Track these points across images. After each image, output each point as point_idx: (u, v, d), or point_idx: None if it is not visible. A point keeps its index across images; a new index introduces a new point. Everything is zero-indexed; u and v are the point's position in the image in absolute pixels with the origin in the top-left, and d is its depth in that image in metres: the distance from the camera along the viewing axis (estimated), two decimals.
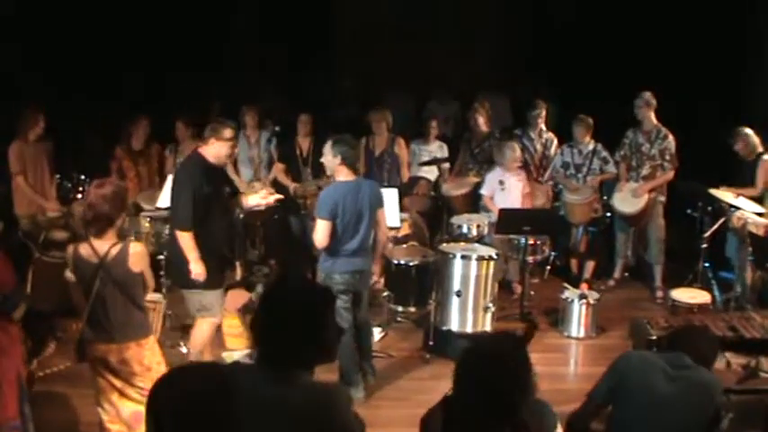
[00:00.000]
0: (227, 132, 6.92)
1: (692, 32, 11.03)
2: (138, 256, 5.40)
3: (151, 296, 5.94)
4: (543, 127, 10.48)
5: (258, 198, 7.60)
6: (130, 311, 5.44)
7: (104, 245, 5.32)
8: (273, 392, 3.27)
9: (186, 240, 6.67)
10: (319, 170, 10.04)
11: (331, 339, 3.48)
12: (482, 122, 10.50)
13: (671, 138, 9.58)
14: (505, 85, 13.04)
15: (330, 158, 6.85)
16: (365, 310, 7.41)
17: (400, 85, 12.89)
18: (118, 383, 5.45)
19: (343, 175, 6.85)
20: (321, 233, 6.76)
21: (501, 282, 9.43)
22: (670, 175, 9.66)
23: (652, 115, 9.63)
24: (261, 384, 3.29)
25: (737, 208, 8.74)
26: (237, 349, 7.85)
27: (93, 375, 5.55)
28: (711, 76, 10.83)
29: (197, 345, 6.98)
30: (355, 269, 6.97)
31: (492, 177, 9.76)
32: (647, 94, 9.62)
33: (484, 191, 9.82)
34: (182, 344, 7.84)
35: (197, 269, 6.69)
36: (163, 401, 2.84)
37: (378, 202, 7.07)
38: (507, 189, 9.63)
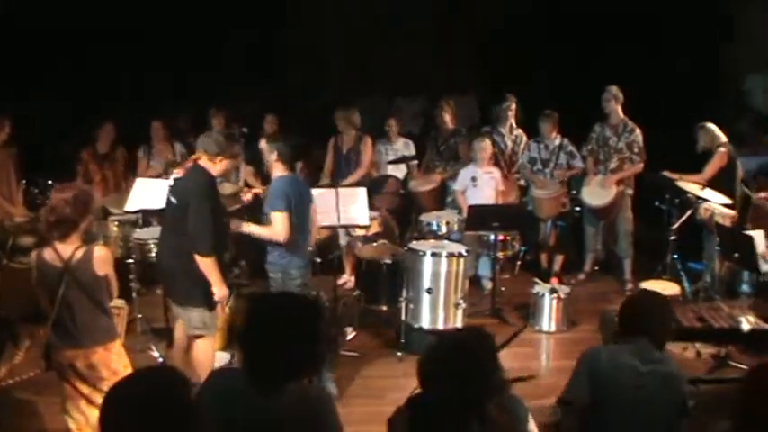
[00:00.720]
0: (237, 149, 6.81)
1: (658, 25, 11.12)
2: (102, 259, 5.36)
3: (114, 302, 5.87)
4: (513, 123, 10.52)
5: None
6: (96, 315, 5.40)
7: (68, 249, 5.27)
8: (261, 403, 3.28)
9: (209, 264, 6.38)
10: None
11: (322, 351, 3.49)
12: (448, 120, 10.57)
13: (638, 131, 9.64)
14: (473, 83, 13.06)
15: (267, 155, 6.84)
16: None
17: (371, 85, 12.89)
18: (85, 390, 5.41)
19: (280, 170, 6.80)
20: (281, 226, 6.61)
21: (471, 278, 9.48)
22: (639, 167, 9.73)
23: (619, 109, 9.69)
24: (248, 396, 3.29)
25: (705, 200, 8.80)
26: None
27: (61, 383, 5.50)
28: (679, 70, 10.92)
29: (206, 367, 6.70)
30: (305, 263, 6.95)
31: (465, 173, 9.78)
32: (614, 88, 9.69)
33: (456, 186, 9.85)
34: (152, 347, 7.80)
35: (221, 292, 6.50)
36: (116, 405, 2.81)
37: (310, 198, 7.11)
38: (479, 185, 9.64)
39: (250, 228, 6.84)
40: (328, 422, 3.39)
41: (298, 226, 6.76)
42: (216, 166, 6.51)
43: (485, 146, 9.65)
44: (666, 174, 9.30)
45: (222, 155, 6.49)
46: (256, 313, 3.46)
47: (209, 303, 6.57)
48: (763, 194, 8.99)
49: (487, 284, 9.67)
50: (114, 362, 5.46)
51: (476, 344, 3.47)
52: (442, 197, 10.11)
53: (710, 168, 9.24)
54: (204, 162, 6.50)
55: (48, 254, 5.29)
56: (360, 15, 12.84)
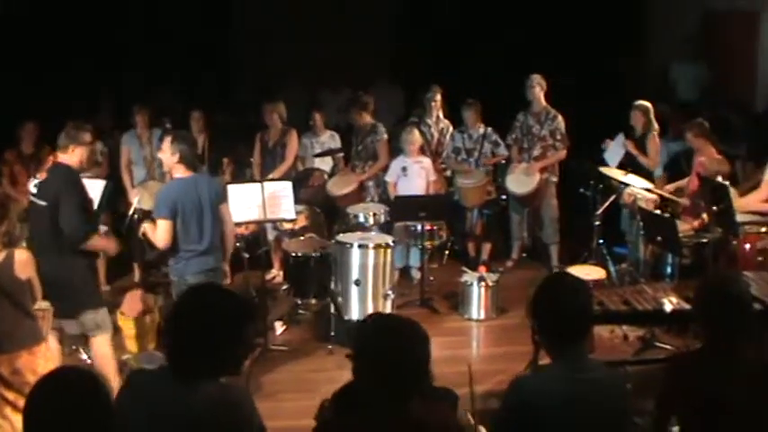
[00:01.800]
0: (88, 136, 6.68)
1: (578, 11, 11.27)
2: (24, 263, 5.28)
3: (39, 304, 5.79)
4: (440, 114, 10.53)
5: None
6: (19, 319, 5.32)
7: None
8: (179, 399, 3.24)
9: (92, 242, 6.52)
10: (216, 167, 10.01)
11: (245, 353, 3.49)
12: (364, 116, 10.23)
13: (560, 118, 9.76)
14: (397, 74, 13.10)
15: (168, 156, 6.60)
16: None
17: (295, 79, 12.86)
18: (11, 396, 5.32)
19: (180, 172, 6.61)
20: (162, 233, 6.47)
21: (401, 269, 9.52)
22: (562, 154, 9.85)
23: (542, 96, 9.79)
24: (167, 392, 3.26)
25: (627, 185, 8.93)
26: (136, 351, 7.74)
27: None
28: (599, 56, 11.08)
29: (108, 364, 6.68)
30: (208, 268, 6.66)
31: (396, 164, 9.79)
32: (537, 76, 9.79)
33: (387, 177, 9.83)
34: (80, 349, 7.69)
35: (111, 246, 6.79)
36: (37, 408, 2.79)
37: (218, 198, 6.80)
38: (409, 176, 9.64)
39: (145, 228, 6.73)
40: (249, 419, 3.37)
41: (192, 231, 6.58)
42: (72, 157, 6.52)
43: (413, 137, 9.66)
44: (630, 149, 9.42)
45: (73, 143, 6.52)
46: (186, 303, 3.44)
47: (98, 302, 6.64)
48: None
49: (416, 274, 9.69)
50: (41, 366, 5.36)
51: (406, 326, 3.36)
52: (360, 199, 9.95)
53: (653, 154, 9.42)
54: (61, 157, 6.53)
55: None
56: (281, 6, 12.85)
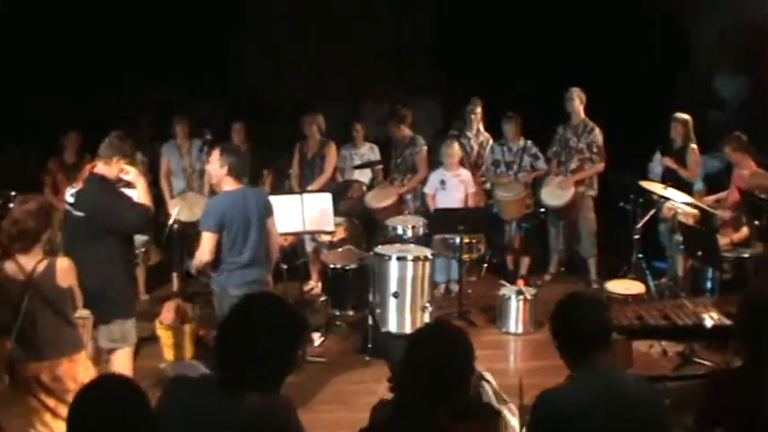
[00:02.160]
0: (129, 147, 6.75)
1: (620, 28, 11.21)
2: (65, 271, 5.32)
3: (79, 312, 5.83)
4: (481, 127, 10.53)
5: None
6: (61, 327, 5.36)
7: (31, 261, 5.24)
8: (222, 411, 3.24)
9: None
10: (256, 178, 10.04)
11: (290, 370, 3.45)
12: (402, 129, 10.30)
13: (597, 131, 9.71)
14: (436, 87, 13.08)
15: (217, 168, 6.60)
16: None
17: (334, 91, 12.87)
18: (51, 403, 5.36)
19: (229, 184, 6.61)
20: (206, 246, 6.50)
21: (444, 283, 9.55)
22: (599, 167, 9.79)
23: (581, 109, 9.75)
24: (208, 402, 3.26)
25: (668, 199, 8.86)
26: (173, 360, 7.78)
27: (25, 396, 5.44)
28: (641, 71, 11.01)
29: None
30: (251, 280, 6.61)
31: (434, 176, 9.79)
32: (577, 89, 9.76)
33: (426, 189, 9.85)
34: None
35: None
36: (80, 415, 2.80)
37: (266, 211, 6.79)
38: (448, 189, 9.64)
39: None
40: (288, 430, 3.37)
41: (237, 244, 6.58)
42: (113, 169, 6.53)
43: (452, 150, 9.65)
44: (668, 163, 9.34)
45: (117, 155, 6.53)
46: (238, 312, 3.41)
47: (129, 313, 6.61)
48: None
49: (454, 287, 9.67)
50: (80, 373, 5.40)
51: (453, 332, 3.49)
52: (399, 212, 9.97)
53: (693, 167, 9.36)
54: (100, 168, 6.52)
55: (9, 267, 5.25)
56: (321, 18, 12.84)
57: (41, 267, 5.24)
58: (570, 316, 3.86)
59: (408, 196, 10.18)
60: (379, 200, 10.09)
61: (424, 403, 3.28)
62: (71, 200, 6.50)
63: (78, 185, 6.57)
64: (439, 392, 3.28)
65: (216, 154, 6.66)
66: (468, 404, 3.60)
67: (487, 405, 3.97)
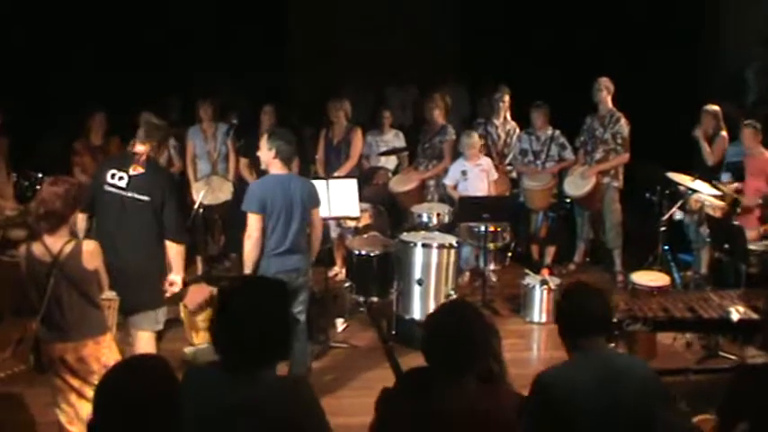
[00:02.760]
0: (166, 132, 6.84)
1: (649, 13, 11.15)
2: (91, 254, 5.34)
3: (106, 294, 5.86)
4: (508, 115, 10.50)
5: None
6: (86, 309, 5.38)
7: (58, 243, 5.26)
8: (240, 394, 3.28)
9: (182, 252, 6.56)
10: None
11: (287, 334, 3.51)
12: (437, 115, 10.31)
13: (623, 121, 9.64)
14: (464, 74, 13.06)
15: (265, 152, 6.63)
16: (304, 313, 6.96)
17: (360, 77, 12.86)
18: (76, 383, 5.39)
19: (277, 168, 6.64)
20: (252, 226, 6.51)
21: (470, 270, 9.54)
22: (623, 158, 9.71)
23: (609, 100, 9.69)
24: (226, 388, 3.30)
25: (695, 191, 8.81)
26: (198, 343, 7.80)
27: (50, 376, 5.48)
28: (668, 61, 10.94)
29: None
30: (291, 268, 6.63)
31: (455, 167, 9.76)
32: (605, 79, 9.69)
33: (447, 180, 9.83)
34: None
35: (180, 279, 6.57)
36: (108, 396, 2.81)
37: (311, 201, 6.75)
38: (469, 179, 9.61)
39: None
40: (310, 408, 3.40)
41: (278, 230, 6.57)
42: (152, 152, 6.59)
43: (472, 141, 9.62)
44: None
45: (156, 138, 6.60)
46: (222, 298, 3.53)
47: (163, 300, 6.62)
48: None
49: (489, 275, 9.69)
50: (105, 355, 5.43)
51: (469, 309, 3.71)
52: (421, 197, 10.03)
53: (718, 153, 9.33)
54: (140, 149, 6.53)
55: (36, 248, 5.27)
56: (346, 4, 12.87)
57: (68, 249, 5.26)
58: (570, 304, 4.05)
59: (431, 182, 10.18)
60: (401, 184, 10.12)
61: (451, 370, 3.46)
62: (122, 183, 6.47)
63: (136, 169, 6.49)
64: (462, 359, 3.47)
65: (264, 139, 6.71)
66: (494, 371, 3.75)
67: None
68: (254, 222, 6.52)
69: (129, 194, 6.42)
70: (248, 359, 3.32)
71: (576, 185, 9.70)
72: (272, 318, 3.37)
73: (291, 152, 6.74)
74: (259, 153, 6.81)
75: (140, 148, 6.53)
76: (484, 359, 3.60)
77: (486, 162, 9.72)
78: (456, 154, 10.01)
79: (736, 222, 8.32)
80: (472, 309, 3.73)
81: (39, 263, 5.26)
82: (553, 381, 3.85)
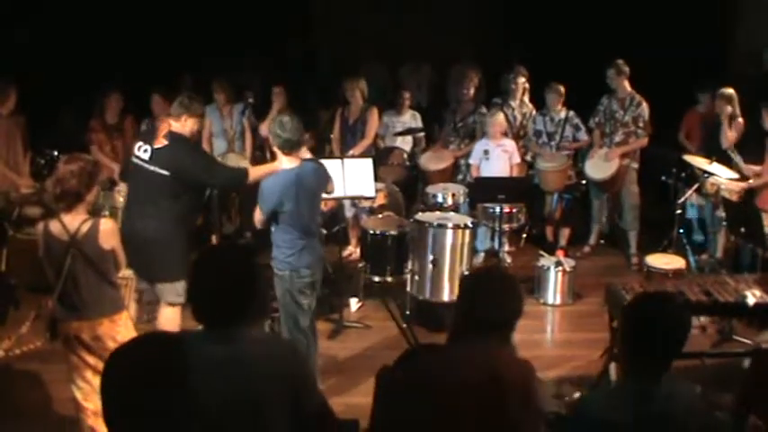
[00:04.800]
0: (200, 108, 6.87)
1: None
2: (108, 232, 5.35)
3: (122, 272, 5.88)
4: (526, 98, 10.46)
5: None
6: (102, 288, 5.41)
7: (75, 221, 5.27)
8: (223, 351, 3.32)
9: (254, 172, 6.90)
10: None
11: (261, 291, 3.65)
12: (472, 93, 10.34)
13: (645, 105, 9.58)
14: (479, 54, 13.01)
15: (276, 150, 6.47)
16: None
17: (374, 55, 12.83)
18: (92, 361, 5.42)
19: (286, 162, 6.33)
20: (257, 219, 6.42)
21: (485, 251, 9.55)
22: (643, 141, 9.67)
23: (626, 83, 9.62)
24: (208, 345, 3.33)
25: (711, 174, 8.77)
26: None
27: (66, 353, 5.51)
28: (686, 43, 10.89)
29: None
30: (319, 256, 6.56)
31: (479, 146, 9.75)
32: (619, 62, 9.61)
33: (471, 159, 9.83)
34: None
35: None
36: (116, 371, 2.83)
37: (325, 185, 6.66)
38: (491, 159, 9.59)
39: None
40: (298, 365, 3.50)
41: (300, 222, 6.33)
42: (184, 127, 6.70)
43: (496, 119, 9.60)
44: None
45: (186, 113, 6.68)
46: (201, 265, 3.56)
47: (184, 273, 6.48)
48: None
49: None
50: (121, 334, 5.44)
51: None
52: (453, 176, 10.04)
53: (738, 131, 9.20)
54: (174, 126, 6.68)
55: (54, 226, 5.29)
56: None
57: (85, 228, 5.27)
58: (651, 321, 3.43)
59: (462, 161, 10.19)
60: (434, 162, 10.12)
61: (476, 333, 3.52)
62: (145, 155, 6.62)
63: (159, 142, 6.63)
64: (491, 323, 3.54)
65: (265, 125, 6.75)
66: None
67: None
68: (259, 217, 6.40)
69: (152, 168, 6.58)
70: (220, 314, 3.39)
71: (600, 168, 9.64)
72: (235, 275, 3.42)
73: (293, 138, 6.30)
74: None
75: (173, 123, 6.72)
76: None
77: (509, 144, 9.69)
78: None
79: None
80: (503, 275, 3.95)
81: (56, 241, 5.28)
82: (600, 405, 3.48)
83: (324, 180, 6.65)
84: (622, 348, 3.55)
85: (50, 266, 5.35)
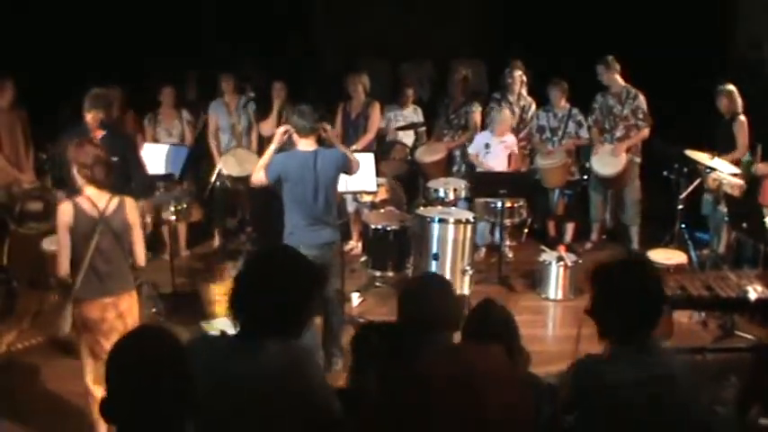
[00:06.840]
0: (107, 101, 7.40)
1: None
2: (134, 208, 5.59)
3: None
4: (524, 91, 10.46)
5: None
6: (123, 264, 5.62)
7: (102, 198, 5.45)
8: (247, 360, 3.28)
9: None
10: None
11: (309, 318, 3.58)
12: (461, 87, 10.53)
13: (641, 96, 9.60)
14: (481, 50, 13.02)
15: (291, 133, 6.67)
16: (334, 285, 7.06)
17: (376, 51, 12.83)
18: (108, 345, 5.43)
19: (303, 145, 6.59)
20: (256, 183, 6.79)
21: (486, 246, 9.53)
22: (645, 132, 9.68)
23: (617, 77, 9.63)
24: (231, 354, 3.32)
25: (713, 169, 8.75)
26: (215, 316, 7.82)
27: (84, 337, 5.56)
28: (687, 35, 10.87)
29: None
30: (324, 242, 6.64)
31: (480, 138, 9.80)
32: (609, 58, 9.62)
33: (471, 149, 9.88)
34: (159, 312, 7.89)
35: None
36: (121, 360, 2.82)
37: (342, 169, 6.78)
38: (492, 153, 9.63)
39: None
40: (310, 373, 3.42)
41: (304, 204, 6.56)
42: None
43: (503, 117, 9.65)
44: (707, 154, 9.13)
45: (93, 109, 7.14)
46: (257, 265, 3.50)
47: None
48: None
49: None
50: (135, 309, 5.69)
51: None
52: (447, 168, 10.08)
53: (741, 140, 9.16)
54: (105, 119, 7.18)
55: (83, 202, 5.42)
56: None
57: (113, 205, 5.47)
58: (634, 287, 3.60)
59: (457, 152, 10.25)
60: (428, 155, 10.15)
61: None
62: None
63: (99, 133, 7.02)
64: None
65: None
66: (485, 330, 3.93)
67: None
68: (258, 176, 6.67)
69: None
70: (262, 329, 3.31)
71: (607, 163, 9.61)
72: (289, 289, 3.33)
73: (308, 122, 6.59)
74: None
75: (88, 116, 7.05)
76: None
77: (510, 139, 9.72)
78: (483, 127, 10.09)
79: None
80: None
81: (86, 217, 5.40)
82: (599, 369, 3.61)
83: (338, 165, 6.75)
84: (606, 317, 3.62)
85: (79, 242, 5.41)
